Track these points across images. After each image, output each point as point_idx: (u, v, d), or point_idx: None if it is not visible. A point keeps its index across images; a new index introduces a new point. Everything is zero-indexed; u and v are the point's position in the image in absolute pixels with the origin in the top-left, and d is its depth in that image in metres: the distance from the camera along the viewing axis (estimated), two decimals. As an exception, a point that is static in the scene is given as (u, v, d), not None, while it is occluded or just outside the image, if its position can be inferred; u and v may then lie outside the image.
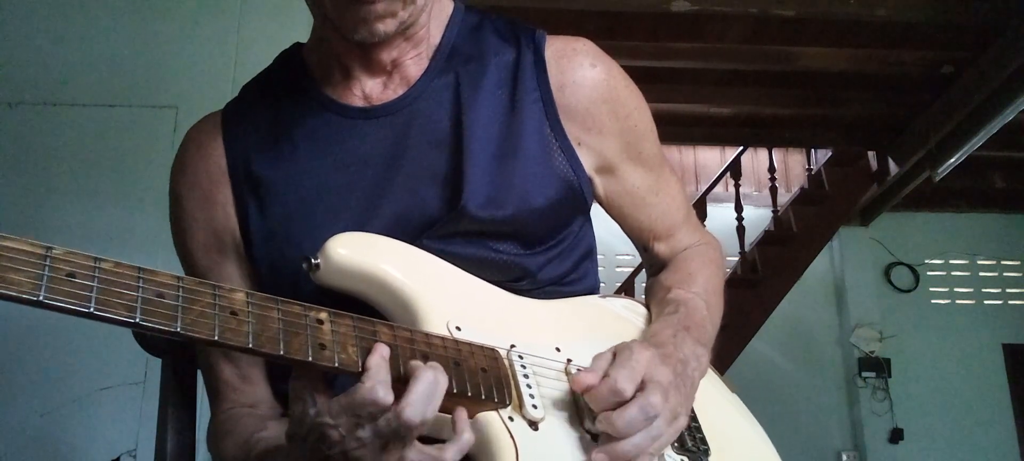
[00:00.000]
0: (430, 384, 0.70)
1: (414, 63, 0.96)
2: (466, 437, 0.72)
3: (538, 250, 0.95)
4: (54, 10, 2.91)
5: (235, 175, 0.96)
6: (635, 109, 1.01)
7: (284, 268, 0.91)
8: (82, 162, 2.74)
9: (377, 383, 0.68)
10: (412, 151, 0.92)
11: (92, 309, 0.61)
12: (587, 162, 0.98)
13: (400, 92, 0.95)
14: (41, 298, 0.59)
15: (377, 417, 0.68)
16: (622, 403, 0.77)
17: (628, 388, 0.77)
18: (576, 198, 0.97)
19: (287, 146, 0.95)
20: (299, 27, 1.00)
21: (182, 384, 1.06)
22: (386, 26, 0.88)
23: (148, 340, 1.03)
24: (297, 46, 1.05)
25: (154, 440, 1.05)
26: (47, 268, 0.60)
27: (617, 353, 0.82)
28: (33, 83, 2.82)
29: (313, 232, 0.89)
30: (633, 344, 0.83)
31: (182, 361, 1.07)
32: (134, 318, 0.62)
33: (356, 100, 0.96)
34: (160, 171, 1.13)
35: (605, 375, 0.79)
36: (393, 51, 0.95)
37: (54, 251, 0.61)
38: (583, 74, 0.97)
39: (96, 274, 0.62)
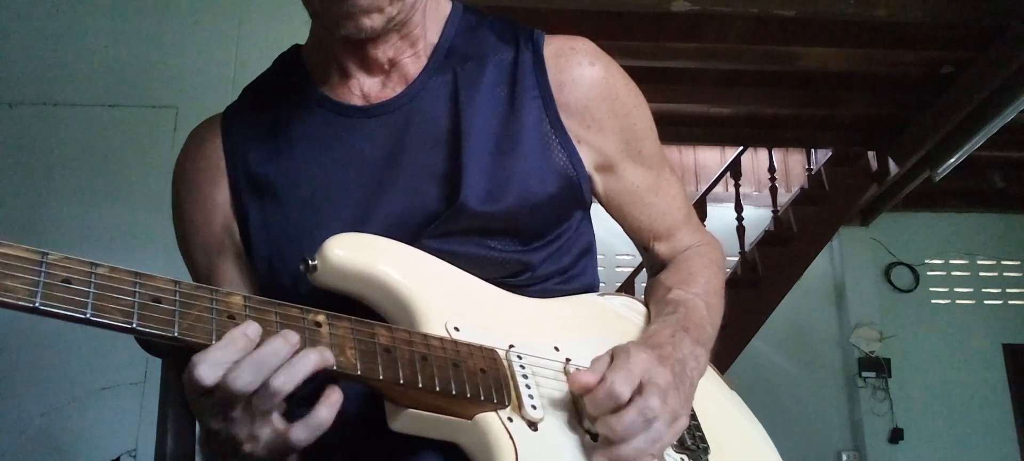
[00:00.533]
0: (230, 349, 0.66)
1: (412, 62, 0.96)
2: (321, 415, 0.69)
3: (537, 245, 0.94)
4: (54, 10, 2.91)
5: (234, 176, 0.96)
6: (634, 107, 1.01)
7: (283, 268, 0.91)
8: (82, 162, 2.74)
9: (200, 361, 0.65)
10: (411, 149, 0.92)
11: (89, 315, 0.60)
12: (587, 159, 0.98)
13: (398, 90, 0.95)
14: (37, 305, 0.58)
15: (206, 394, 0.66)
16: (620, 406, 0.77)
17: (625, 391, 0.77)
18: (575, 193, 0.97)
19: (286, 146, 0.95)
20: (299, 27, 0.99)
21: (182, 384, 1.06)
22: (372, 21, 0.88)
23: (148, 341, 1.03)
24: (296, 48, 1.05)
25: (154, 440, 1.05)
26: (43, 274, 0.60)
27: (615, 355, 0.81)
28: (33, 83, 2.82)
29: (312, 231, 0.89)
30: (630, 346, 0.83)
31: (182, 361, 1.05)
32: (131, 323, 0.62)
33: (355, 99, 0.96)
34: (160, 171, 1.14)
35: (602, 378, 0.78)
36: (389, 49, 0.95)
37: (50, 257, 0.61)
38: (582, 72, 0.97)
39: (92, 279, 0.62)
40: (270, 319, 0.70)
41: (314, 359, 0.69)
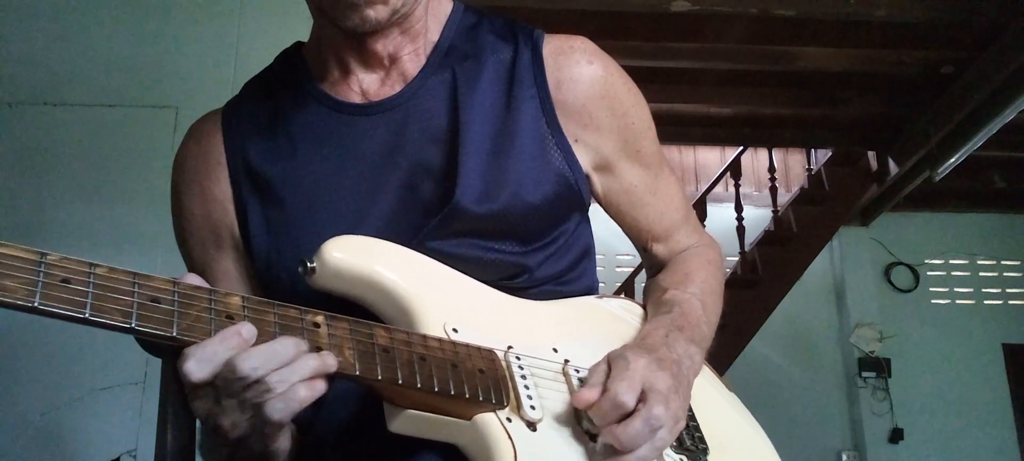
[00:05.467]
0: (223, 345, 0.67)
1: (411, 59, 0.96)
2: (300, 393, 0.69)
3: (536, 247, 0.94)
4: (53, 10, 2.91)
5: (234, 171, 0.96)
6: (633, 106, 1.01)
7: (282, 264, 0.91)
8: (82, 162, 2.74)
9: (190, 355, 0.67)
10: (409, 147, 0.92)
11: (87, 315, 0.61)
12: (584, 159, 0.98)
13: (397, 88, 0.95)
14: (36, 305, 0.59)
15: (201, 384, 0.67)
16: (625, 414, 0.77)
17: (630, 400, 0.77)
18: (572, 195, 0.97)
19: (285, 142, 0.95)
20: (299, 27, 1.00)
21: (182, 384, 1.06)
22: (377, 13, 0.88)
23: (148, 341, 1.03)
24: (298, 45, 1.05)
25: (154, 440, 1.05)
26: (41, 274, 0.60)
27: (612, 363, 0.81)
28: (33, 83, 2.82)
29: (310, 229, 0.89)
30: (627, 352, 0.83)
31: (182, 362, 1.06)
32: (130, 323, 0.63)
33: (354, 96, 0.96)
34: (160, 171, 1.14)
35: (605, 388, 0.78)
36: (389, 44, 0.95)
37: (48, 257, 0.61)
38: (580, 71, 0.97)
39: (91, 280, 0.62)
40: (268, 319, 0.70)
41: (313, 364, 0.69)
